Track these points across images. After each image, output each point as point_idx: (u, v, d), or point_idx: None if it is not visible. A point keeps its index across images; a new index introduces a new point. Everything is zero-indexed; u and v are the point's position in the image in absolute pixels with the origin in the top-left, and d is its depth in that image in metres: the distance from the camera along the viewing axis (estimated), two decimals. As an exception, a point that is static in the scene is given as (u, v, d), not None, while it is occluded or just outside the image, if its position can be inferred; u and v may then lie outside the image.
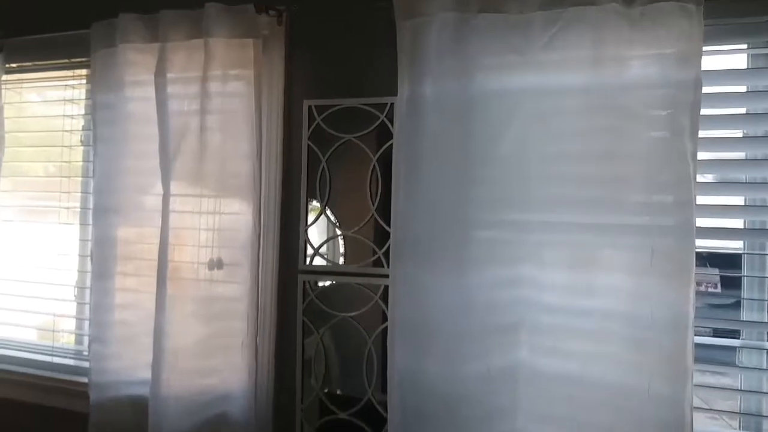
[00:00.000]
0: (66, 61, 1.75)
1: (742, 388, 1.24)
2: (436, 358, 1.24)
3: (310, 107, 1.45)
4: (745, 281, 1.25)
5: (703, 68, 1.11)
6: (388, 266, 1.36)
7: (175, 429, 1.41)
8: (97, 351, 1.52)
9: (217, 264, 1.42)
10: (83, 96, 1.78)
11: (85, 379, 1.60)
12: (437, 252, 1.25)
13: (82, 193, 1.75)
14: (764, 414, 1.23)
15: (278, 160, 1.47)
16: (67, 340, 1.82)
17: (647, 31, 1.14)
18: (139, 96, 1.50)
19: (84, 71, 1.77)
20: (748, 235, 1.26)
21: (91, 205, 1.57)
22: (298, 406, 1.43)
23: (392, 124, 1.36)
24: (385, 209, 1.38)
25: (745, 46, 1.28)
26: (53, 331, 1.79)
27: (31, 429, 1.73)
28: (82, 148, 1.78)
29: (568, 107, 1.18)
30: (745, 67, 1.29)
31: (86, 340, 1.79)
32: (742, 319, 1.26)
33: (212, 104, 1.41)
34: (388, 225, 1.36)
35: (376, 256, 1.39)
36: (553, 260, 1.19)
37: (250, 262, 1.41)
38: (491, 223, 1.24)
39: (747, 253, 1.25)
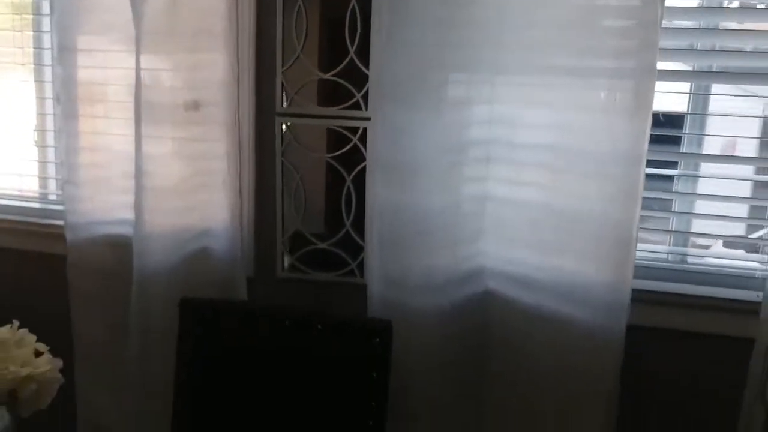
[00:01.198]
0: None
1: (676, 210, 1.44)
2: (412, 192, 1.35)
3: (284, -59, 1.41)
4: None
5: None
6: (367, 109, 1.43)
7: (159, 266, 1.47)
8: (71, 193, 1.53)
9: (193, 105, 1.43)
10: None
11: (58, 222, 1.63)
12: (416, 93, 1.32)
13: (34, 32, 1.66)
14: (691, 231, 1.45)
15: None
16: (35, 186, 1.81)
17: None
18: None
19: None
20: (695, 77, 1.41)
21: (53, 44, 1.49)
22: (279, 239, 1.53)
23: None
24: (363, 52, 1.41)
25: None
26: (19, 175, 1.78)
27: (10, 274, 1.75)
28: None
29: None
30: None
31: (51, 184, 1.79)
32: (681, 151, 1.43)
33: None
34: (367, 68, 1.41)
35: (355, 99, 1.44)
36: (526, 100, 1.30)
37: (228, 102, 1.42)
38: (469, 65, 1.31)
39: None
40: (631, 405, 1.34)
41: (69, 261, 1.56)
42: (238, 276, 1.49)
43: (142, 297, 1.46)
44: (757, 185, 1.45)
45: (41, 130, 1.73)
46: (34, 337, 0.61)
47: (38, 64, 1.69)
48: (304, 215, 1.52)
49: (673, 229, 1.45)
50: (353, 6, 1.40)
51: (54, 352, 1.61)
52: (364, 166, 1.45)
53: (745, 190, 1.46)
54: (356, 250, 1.50)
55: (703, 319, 1.35)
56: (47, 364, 0.61)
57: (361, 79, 1.43)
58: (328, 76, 1.45)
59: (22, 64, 1.71)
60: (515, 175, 1.33)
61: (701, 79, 1.41)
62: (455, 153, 1.33)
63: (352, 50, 1.42)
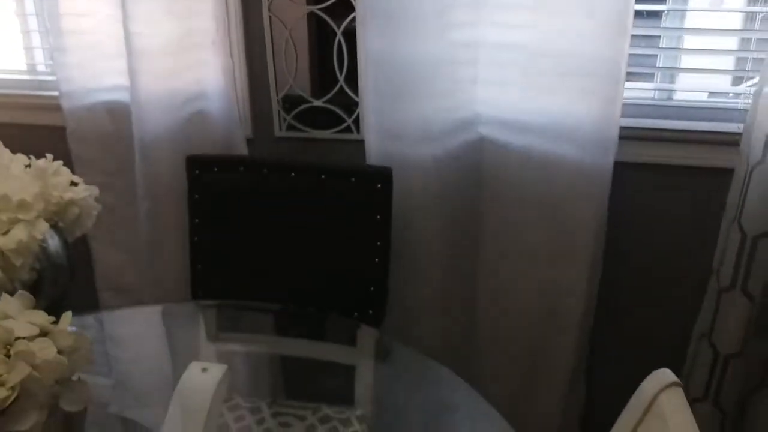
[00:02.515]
0: None
1: (663, 46, 1.46)
2: (405, 41, 1.35)
3: None
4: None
5: None
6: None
7: (159, 130, 1.50)
8: (62, 60, 1.52)
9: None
10: None
11: (51, 92, 1.63)
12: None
13: None
14: (678, 66, 1.47)
15: None
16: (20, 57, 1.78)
17: None
18: None
19: None
20: None
21: None
22: (274, 98, 1.55)
23: None
24: None
25: None
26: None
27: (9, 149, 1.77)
28: None
29: None
30: None
31: (38, 54, 1.77)
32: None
33: None
34: None
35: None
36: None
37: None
38: None
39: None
40: (616, 238, 1.44)
41: (68, 130, 1.58)
42: (237, 136, 1.52)
43: (145, 161, 1.50)
44: (747, 17, 1.46)
45: (19, -1, 1.69)
46: (67, 170, 0.66)
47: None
48: (296, 73, 1.52)
49: (660, 66, 1.48)
50: None
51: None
52: (354, 17, 1.44)
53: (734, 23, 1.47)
54: (351, 105, 1.52)
55: (686, 153, 1.42)
56: (86, 191, 0.66)
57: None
58: None
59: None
60: (505, 18, 1.33)
61: None
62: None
63: None
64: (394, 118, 1.41)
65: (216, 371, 0.98)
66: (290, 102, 1.55)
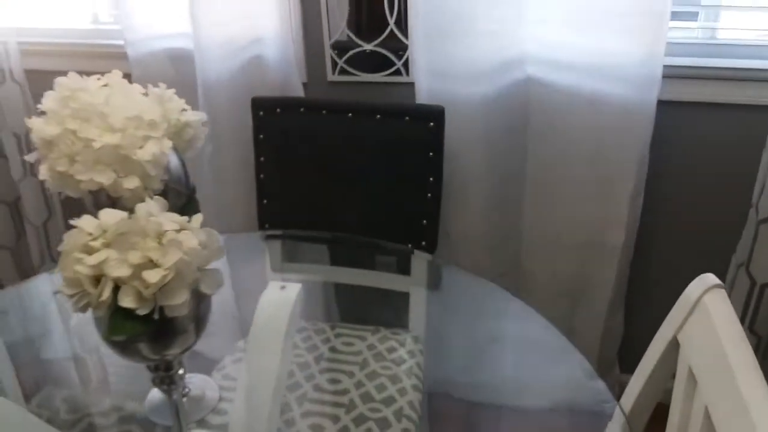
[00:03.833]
0: None
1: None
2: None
3: None
4: None
5: None
6: None
7: (221, 74, 1.58)
8: (126, 10, 1.61)
9: None
10: None
11: (118, 42, 1.73)
12: None
13: None
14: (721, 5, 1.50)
15: None
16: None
17: None
18: None
19: None
20: None
21: None
22: (327, 43, 1.62)
23: None
24: None
25: None
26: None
27: None
28: None
29: None
30: None
31: (100, 4, 1.85)
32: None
33: None
34: None
35: None
36: None
37: None
38: None
39: None
40: (659, 175, 1.50)
41: (134, 77, 1.67)
42: (293, 80, 1.60)
43: (208, 103, 1.59)
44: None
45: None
46: (177, 97, 0.74)
47: None
48: (348, 18, 1.59)
49: (703, 5, 1.51)
50: None
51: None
52: (405, -37, 1.49)
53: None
54: (401, 49, 1.58)
55: (729, 91, 1.45)
56: (196, 115, 0.75)
57: None
58: None
59: None
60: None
61: None
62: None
63: None
64: (442, 58, 1.47)
65: (293, 288, 1.08)
66: (342, 47, 1.62)
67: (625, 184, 1.48)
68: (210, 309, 0.69)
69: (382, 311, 1.29)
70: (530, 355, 1.13)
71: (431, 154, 1.37)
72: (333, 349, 1.14)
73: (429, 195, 1.39)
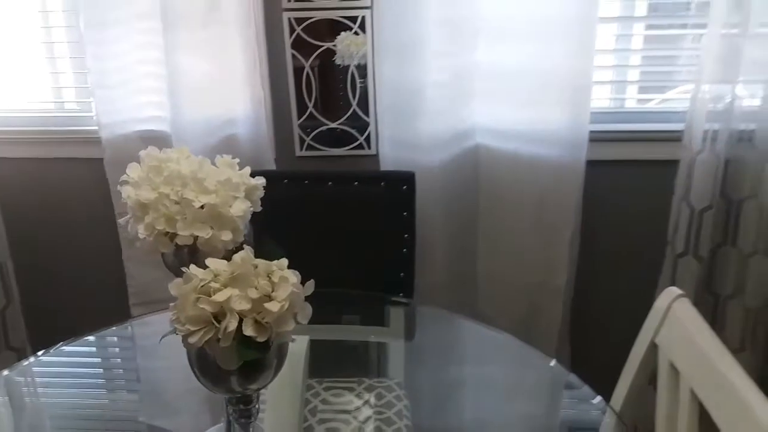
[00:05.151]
0: None
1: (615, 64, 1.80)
2: (412, 68, 1.62)
3: None
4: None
5: None
6: (364, -2, 1.66)
7: (195, 152, 1.68)
8: (102, 95, 1.69)
9: (212, 6, 1.61)
10: None
11: (87, 127, 1.80)
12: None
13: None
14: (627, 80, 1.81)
15: None
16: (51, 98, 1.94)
17: None
18: None
19: None
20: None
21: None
22: (295, 122, 1.78)
23: None
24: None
25: None
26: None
27: (52, 180, 1.92)
28: None
29: None
30: None
31: (65, 93, 1.92)
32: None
33: None
34: (360, -40, 1.63)
35: (352, -9, 1.67)
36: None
37: (241, 3, 1.61)
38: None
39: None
40: (592, 220, 1.75)
41: (106, 158, 1.74)
42: (266, 157, 1.74)
43: (186, 181, 1.68)
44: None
45: (48, 43, 1.84)
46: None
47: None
48: (314, 99, 1.76)
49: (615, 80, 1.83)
50: None
51: (100, 239, 1.84)
52: (365, 52, 1.70)
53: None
54: (363, 126, 1.77)
55: (642, 149, 1.75)
56: (260, 179, 0.87)
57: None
58: (326, -29, 1.66)
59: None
60: (494, 46, 1.62)
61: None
62: (447, 30, 1.60)
63: (346, -54, 1.63)
64: (405, 131, 1.67)
65: (302, 340, 1.15)
66: (308, 126, 1.78)
67: (564, 231, 1.72)
68: (287, 349, 0.80)
69: (364, 362, 1.39)
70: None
71: (405, 213, 1.54)
72: (325, 401, 1.21)
73: (404, 250, 1.55)
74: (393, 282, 1.56)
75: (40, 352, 1.27)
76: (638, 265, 1.80)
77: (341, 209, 1.56)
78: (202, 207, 0.75)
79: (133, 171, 0.81)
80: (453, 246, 1.74)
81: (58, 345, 1.29)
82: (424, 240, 1.67)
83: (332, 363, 1.42)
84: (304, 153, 1.80)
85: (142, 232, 0.75)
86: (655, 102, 1.84)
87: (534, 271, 1.76)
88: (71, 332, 1.31)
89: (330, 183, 1.55)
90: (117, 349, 1.47)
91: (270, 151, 1.75)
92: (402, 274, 1.56)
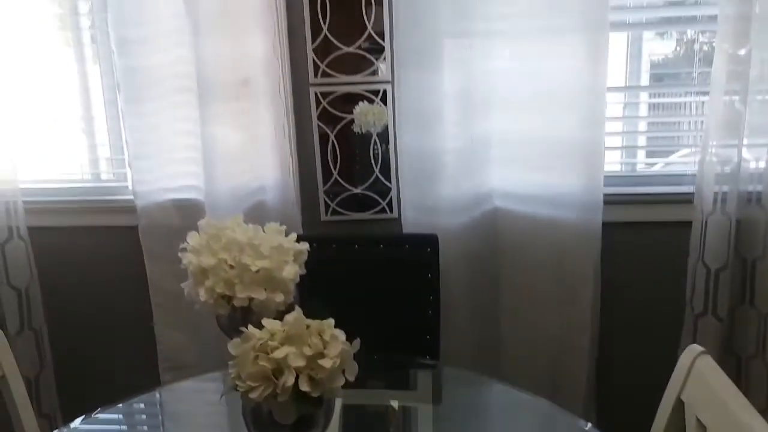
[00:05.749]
0: None
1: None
2: (434, 136, 1.72)
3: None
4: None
5: None
6: (388, 73, 1.77)
7: (227, 217, 1.77)
8: (138, 166, 1.79)
9: (245, 82, 1.72)
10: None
11: (122, 196, 1.89)
12: (429, 58, 1.68)
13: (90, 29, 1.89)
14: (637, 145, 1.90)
15: (281, -11, 1.74)
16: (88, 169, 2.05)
17: None
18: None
19: None
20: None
21: (111, 38, 1.73)
22: (320, 188, 1.86)
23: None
24: (377, 28, 1.74)
25: None
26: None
27: (86, 248, 1.99)
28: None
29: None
30: None
31: (102, 164, 2.02)
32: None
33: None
34: (382, 41, 1.75)
35: (374, 67, 1.78)
36: (513, 56, 1.68)
37: (271, 77, 1.73)
38: (461, 32, 1.68)
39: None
40: (610, 282, 1.80)
41: (141, 226, 1.82)
42: (293, 221, 1.81)
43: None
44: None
45: (88, 117, 1.96)
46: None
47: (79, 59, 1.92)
48: (339, 167, 1.85)
49: (625, 146, 1.92)
50: (369, -8, 1.74)
51: (132, 304, 1.89)
52: (386, 124, 1.80)
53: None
54: (384, 191, 1.85)
55: (654, 211, 1.82)
56: (305, 245, 0.93)
57: (377, 51, 1.76)
58: (350, 49, 1.78)
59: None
60: (511, 116, 1.72)
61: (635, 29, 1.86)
62: (464, 101, 1.70)
63: (369, 27, 1.75)
64: (426, 196, 1.75)
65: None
66: (333, 191, 1.87)
67: (585, 291, 1.76)
68: (335, 404, 0.84)
69: (392, 427, 1.41)
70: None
71: (429, 275, 1.59)
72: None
73: (430, 312, 1.59)
74: (419, 344, 1.60)
75: (75, 422, 1.30)
76: (660, 324, 1.84)
77: (367, 272, 1.61)
78: (257, 271, 0.81)
79: (193, 239, 0.87)
80: (475, 308, 1.79)
81: (95, 412, 1.31)
82: (447, 302, 1.72)
83: (360, 429, 1.44)
84: (329, 218, 1.88)
85: (203, 295, 0.80)
86: (659, 165, 1.92)
87: (557, 331, 1.79)
88: (101, 397, 1.33)
89: (356, 246, 1.62)
90: (144, 416, 1.49)
91: (297, 216, 1.82)
92: (428, 336, 1.60)
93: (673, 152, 1.94)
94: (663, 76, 1.91)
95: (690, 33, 1.87)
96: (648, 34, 1.88)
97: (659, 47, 1.92)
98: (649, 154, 1.94)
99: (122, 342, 2.02)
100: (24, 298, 1.85)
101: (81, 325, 2.03)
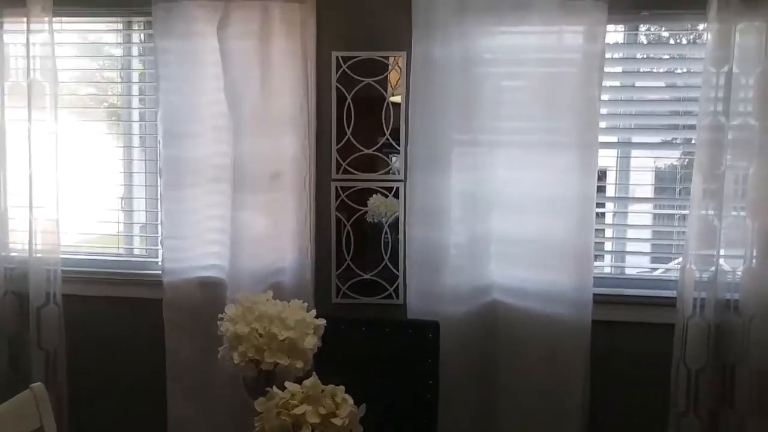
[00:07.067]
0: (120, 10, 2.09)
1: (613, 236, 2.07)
2: (440, 231, 1.90)
3: (337, 57, 1.97)
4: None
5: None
6: (400, 173, 1.98)
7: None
8: (170, 245, 1.98)
9: (276, 175, 1.93)
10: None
11: (151, 271, 2.07)
12: (436, 161, 1.90)
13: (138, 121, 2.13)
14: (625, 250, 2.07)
15: (313, 97, 1.97)
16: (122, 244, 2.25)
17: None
18: (199, 44, 1.91)
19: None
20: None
21: (159, 130, 1.96)
22: (333, 273, 2.03)
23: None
24: (394, 134, 1.97)
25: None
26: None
27: (112, 316, 2.15)
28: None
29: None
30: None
31: (135, 241, 2.22)
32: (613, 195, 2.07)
33: (268, 55, 1.88)
34: (398, 145, 1.97)
35: (389, 168, 1.99)
36: (512, 164, 1.89)
37: (299, 172, 1.94)
38: (469, 142, 1.90)
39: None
40: (600, 376, 1.91)
41: (165, 299, 1.98)
42: (307, 302, 1.95)
43: (235, 322, 1.90)
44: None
45: (128, 198, 2.18)
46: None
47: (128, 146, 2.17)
48: (352, 254, 2.03)
49: (614, 250, 2.09)
50: (387, 103, 1.97)
51: (147, 375, 2.02)
52: (397, 216, 1.99)
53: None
54: (393, 278, 2.01)
55: (641, 313, 1.95)
56: (322, 320, 1.08)
57: (393, 150, 1.98)
58: (369, 151, 2.00)
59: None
60: (509, 218, 1.90)
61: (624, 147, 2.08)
62: (468, 202, 1.89)
63: (387, 132, 1.98)
64: (430, 285, 1.91)
65: None
66: (345, 276, 2.03)
67: (575, 385, 1.87)
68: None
69: None
70: None
71: (430, 360, 1.72)
72: None
73: (429, 396, 1.71)
74: (417, 427, 1.71)
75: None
76: (645, 422, 1.93)
77: (372, 353, 1.75)
78: (283, 340, 0.97)
79: (231, 310, 1.03)
80: (473, 395, 1.90)
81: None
82: (444, 387, 1.84)
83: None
84: (340, 300, 2.03)
85: (236, 358, 0.96)
86: (660, 271, 2.08)
87: (549, 421, 1.89)
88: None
89: (364, 328, 1.76)
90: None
91: (311, 297, 1.98)
92: (425, 420, 1.71)
93: (662, 260, 2.11)
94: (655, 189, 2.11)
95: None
96: (636, 152, 2.09)
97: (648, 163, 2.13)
98: (654, 260, 2.11)
99: (134, 408, 2.13)
100: (51, 360, 1.99)
101: (98, 388, 2.14)
